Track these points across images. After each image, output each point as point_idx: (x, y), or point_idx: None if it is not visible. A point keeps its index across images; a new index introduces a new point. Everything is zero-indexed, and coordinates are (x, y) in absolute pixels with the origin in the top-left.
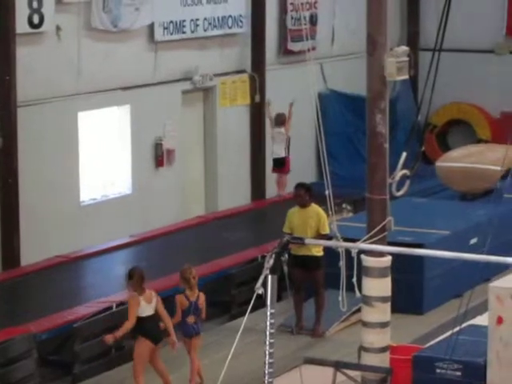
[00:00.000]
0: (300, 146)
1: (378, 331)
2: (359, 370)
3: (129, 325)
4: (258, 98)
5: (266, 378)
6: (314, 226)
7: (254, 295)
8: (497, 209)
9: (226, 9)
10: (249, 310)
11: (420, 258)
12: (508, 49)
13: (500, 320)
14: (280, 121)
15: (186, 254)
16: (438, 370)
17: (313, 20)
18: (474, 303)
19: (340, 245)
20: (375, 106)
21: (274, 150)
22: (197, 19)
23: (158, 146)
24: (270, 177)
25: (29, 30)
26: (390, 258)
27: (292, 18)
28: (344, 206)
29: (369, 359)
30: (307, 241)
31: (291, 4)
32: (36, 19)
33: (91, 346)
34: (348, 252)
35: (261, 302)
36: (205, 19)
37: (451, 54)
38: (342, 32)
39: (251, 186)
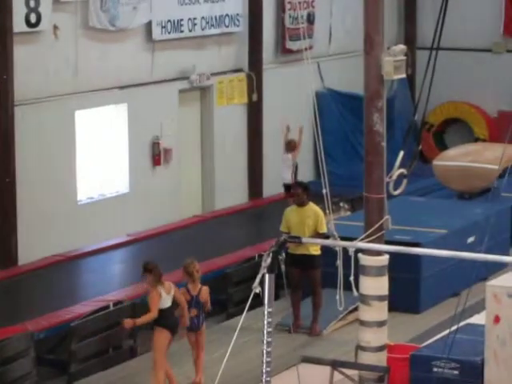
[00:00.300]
0: None
1: (375, 330)
2: (356, 369)
3: (151, 316)
4: (255, 97)
5: (264, 376)
6: (312, 225)
7: (252, 294)
8: (494, 207)
9: (223, 8)
10: (246, 309)
11: (417, 256)
12: (505, 48)
13: (497, 319)
14: (289, 147)
15: (183, 253)
16: (435, 369)
17: (310, 19)
18: (471, 302)
19: (337, 244)
20: (372, 105)
21: (283, 175)
22: (194, 18)
23: (155, 145)
24: (267, 176)
25: (26, 29)
26: (387, 256)
27: (290, 16)
28: (341, 204)
29: (366, 358)
30: (304, 240)
31: (289, 3)
32: (33, 18)
33: (88, 345)
34: (345, 251)
35: (258, 301)
36: (202, 18)
37: (448, 53)
38: (339, 31)
39: (248, 185)
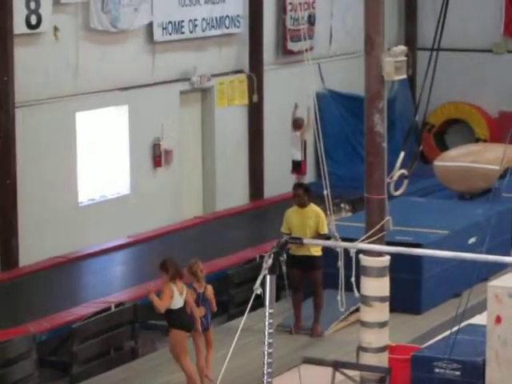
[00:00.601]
0: None
1: (376, 331)
2: (358, 370)
3: (161, 304)
4: (255, 98)
5: (265, 377)
6: (313, 226)
7: (253, 295)
8: (495, 208)
9: (223, 9)
10: (247, 310)
11: (418, 257)
12: (505, 48)
13: (498, 319)
14: (297, 125)
15: (185, 255)
16: (436, 370)
17: (311, 20)
18: (472, 302)
19: (338, 245)
20: (373, 106)
21: (292, 152)
22: (195, 19)
23: (156, 146)
24: (268, 177)
25: (26, 30)
26: (388, 257)
27: (291, 17)
28: (342, 205)
29: (367, 359)
30: (306, 241)
31: (290, 4)
32: (34, 20)
33: (90, 347)
34: (346, 252)
35: (259, 302)
36: (203, 19)
37: (449, 54)
38: (340, 32)
39: (249, 186)
